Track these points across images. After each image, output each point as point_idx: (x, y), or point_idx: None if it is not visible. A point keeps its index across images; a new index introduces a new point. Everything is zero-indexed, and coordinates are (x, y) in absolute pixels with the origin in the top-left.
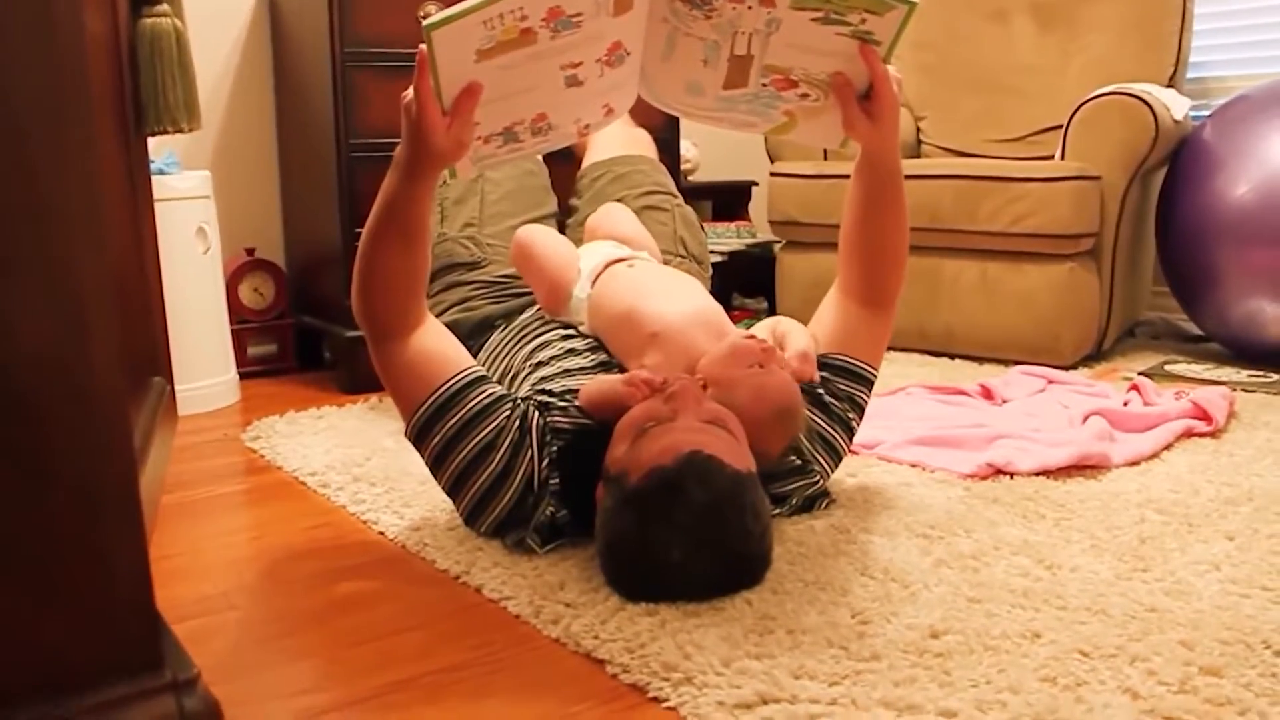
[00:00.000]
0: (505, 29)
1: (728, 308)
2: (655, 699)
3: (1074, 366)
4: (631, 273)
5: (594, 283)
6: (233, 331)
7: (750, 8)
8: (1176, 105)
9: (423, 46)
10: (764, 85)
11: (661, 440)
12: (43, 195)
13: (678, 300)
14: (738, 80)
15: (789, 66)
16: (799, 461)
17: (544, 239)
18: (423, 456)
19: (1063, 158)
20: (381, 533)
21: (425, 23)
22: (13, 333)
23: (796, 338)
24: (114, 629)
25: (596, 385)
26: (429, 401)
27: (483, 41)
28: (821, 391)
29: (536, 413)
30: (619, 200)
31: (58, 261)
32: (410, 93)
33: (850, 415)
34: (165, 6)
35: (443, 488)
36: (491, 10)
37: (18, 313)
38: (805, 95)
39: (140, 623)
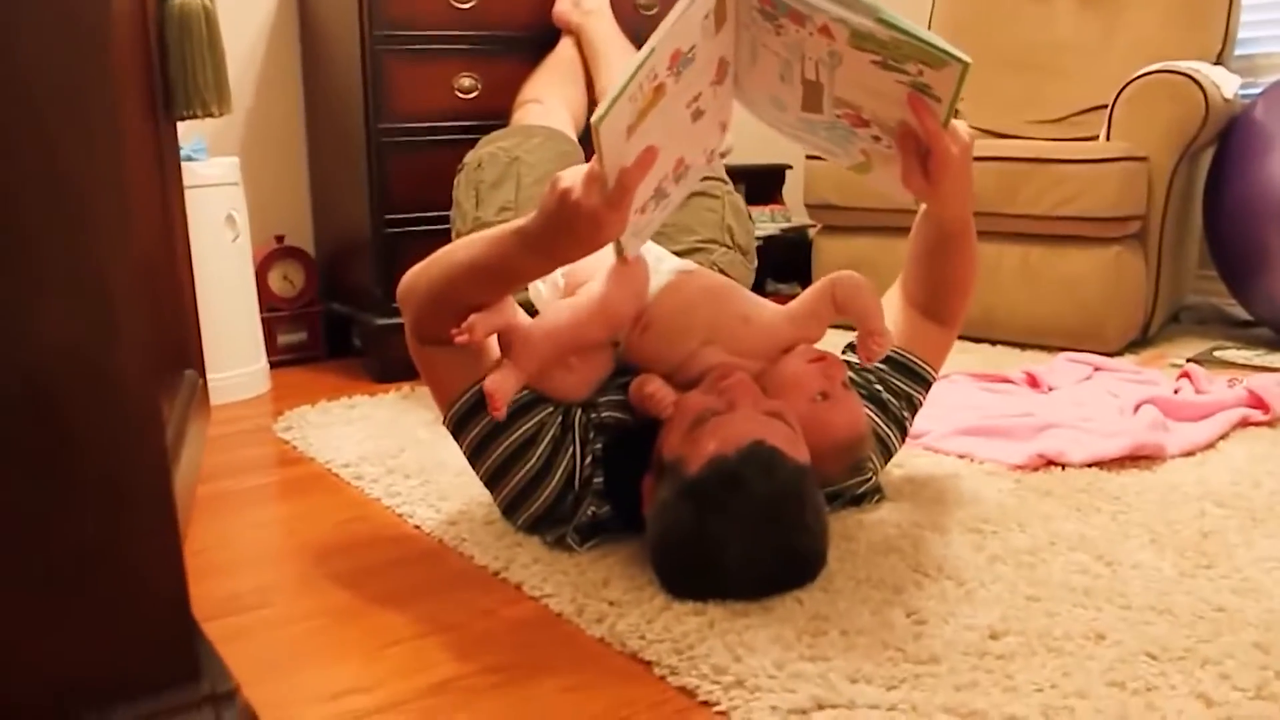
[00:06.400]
0: (644, 96)
1: (762, 293)
2: (705, 703)
3: (1119, 353)
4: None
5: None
6: (262, 320)
7: (811, 34)
8: (1226, 83)
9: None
10: (838, 116)
11: (722, 430)
12: (65, 184)
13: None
14: (813, 105)
15: (859, 104)
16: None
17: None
18: (461, 447)
19: (1108, 138)
20: (417, 526)
21: (593, 119)
22: (36, 327)
23: (868, 312)
24: (147, 638)
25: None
26: (469, 394)
27: (630, 118)
28: (880, 388)
29: (579, 409)
30: None
31: (82, 253)
32: (577, 187)
33: (905, 414)
34: None
35: (480, 479)
36: (634, 85)
37: (41, 306)
38: (878, 139)
39: (175, 632)
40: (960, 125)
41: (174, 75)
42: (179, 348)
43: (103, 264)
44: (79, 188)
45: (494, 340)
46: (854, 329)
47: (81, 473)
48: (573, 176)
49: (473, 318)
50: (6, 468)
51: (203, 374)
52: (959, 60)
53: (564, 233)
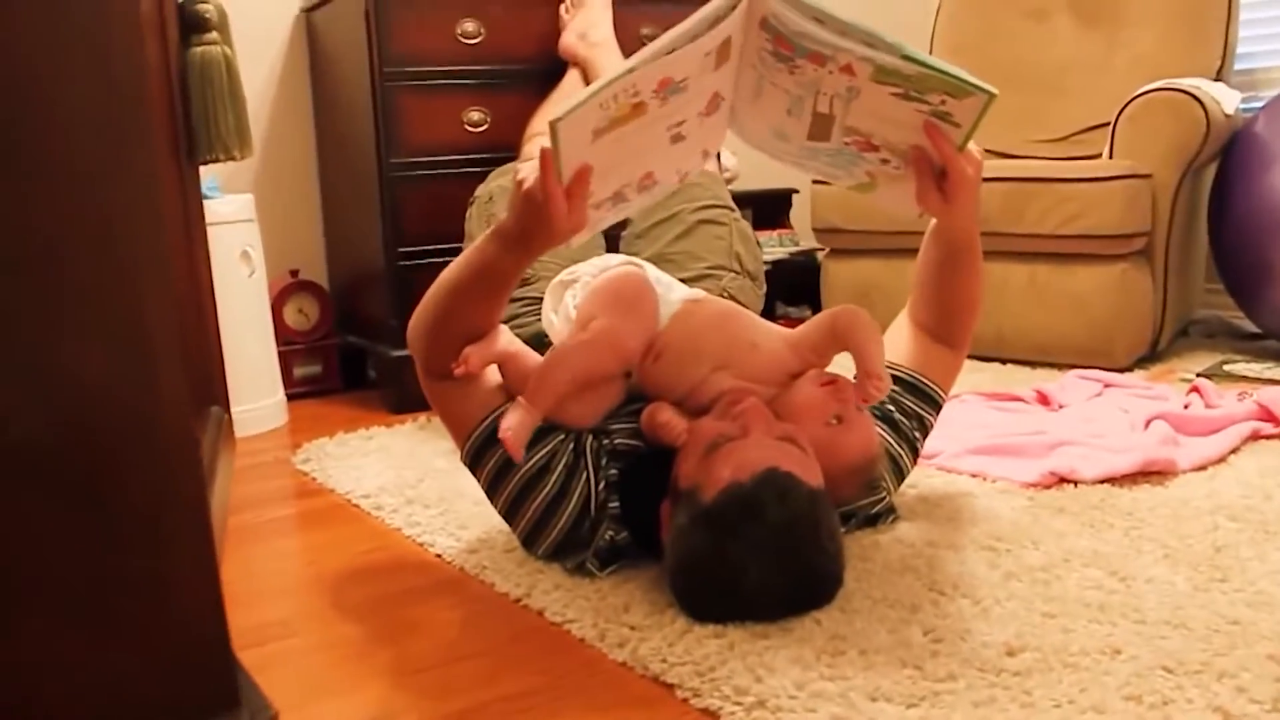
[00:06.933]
0: (619, 106)
1: (772, 317)
2: None
3: (1129, 369)
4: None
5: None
6: (278, 353)
7: (831, 72)
8: (1227, 99)
9: (546, 143)
10: (846, 143)
11: (736, 456)
12: (107, 228)
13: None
14: (820, 134)
15: (870, 132)
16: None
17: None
18: (478, 480)
19: (1111, 156)
20: (439, 555)
21: (551, 119)
22: (79, 367)
23: (866, 350)
24: (187, 667)
25: (664, 412)
26: (483, 426)
27: (598, 122)
28: (892, 409)
29: (591, 436)
30: (675, 215)
31: (123, 295)
32: (531, 178)
33: (916, 435)
34: (214, 35)
35: (499, 511)
36: (606, 93)
37: (84, 347)
38: (886, 161)
39: (215, 661)
40: (971, 146)
41: (196, 122)
42: (206, 384)
43: (142, 303)
44: (120, 236)
45: (494, 371)
46: None
47: (125, 510)
48: (530, 167)
49: (467, 350)
50: (54, 506)
51: (228, 410)
52: (985, 91)
53: (524, 220)
